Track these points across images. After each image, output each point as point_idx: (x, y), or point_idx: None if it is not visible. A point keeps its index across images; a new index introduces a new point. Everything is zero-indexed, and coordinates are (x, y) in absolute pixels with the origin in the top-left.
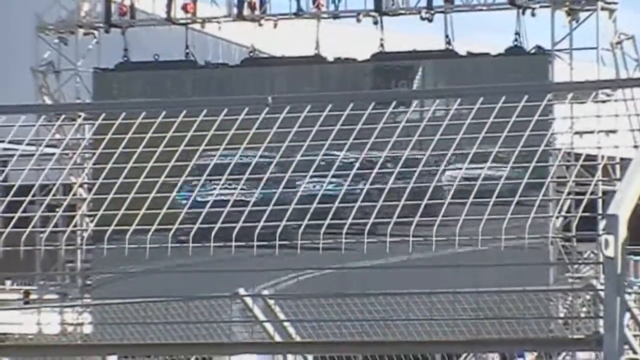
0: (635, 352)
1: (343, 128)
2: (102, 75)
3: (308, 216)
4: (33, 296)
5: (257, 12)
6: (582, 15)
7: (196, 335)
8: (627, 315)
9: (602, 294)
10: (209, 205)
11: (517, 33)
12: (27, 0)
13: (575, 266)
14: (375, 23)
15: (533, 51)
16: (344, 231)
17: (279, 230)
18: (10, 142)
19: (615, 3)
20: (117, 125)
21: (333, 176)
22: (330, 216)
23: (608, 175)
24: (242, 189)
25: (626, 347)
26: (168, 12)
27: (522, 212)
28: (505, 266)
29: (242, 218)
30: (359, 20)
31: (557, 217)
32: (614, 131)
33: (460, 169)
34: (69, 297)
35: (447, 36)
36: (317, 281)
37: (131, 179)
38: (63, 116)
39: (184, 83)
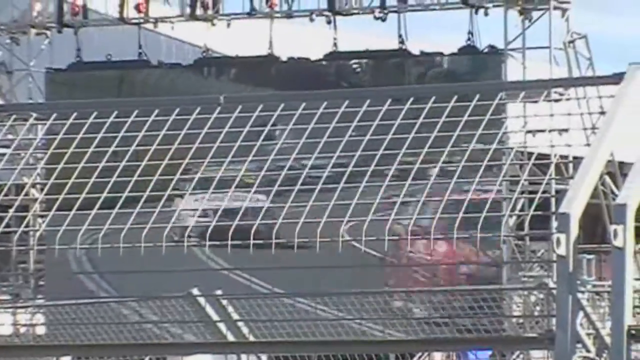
0: (588, 351)
1: (296, 127)
2: (55, 76)
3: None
4: None
5: (210, 12)
6: (535, 14)
7: (149, 336)
8: (581, 313)
9: (555, 292)
10: (160, 205)
11: (470, 32)
12: None
13: (529, 265)
14: (329, 22)
15: (486, 50)
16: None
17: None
18: None
19: (568, 2)
20: (69, 125)
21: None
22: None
23: (561, 173)
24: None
25: (579, 345)
26: (121, 12)
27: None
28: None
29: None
30: (312, 20)
31: (510, 216)
32: (566, 130)
33: (411, 168)
34: (21, 298)
35: (400, 36)
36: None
37: (83, 179)
38: (15, 116)
39: (137, 83)
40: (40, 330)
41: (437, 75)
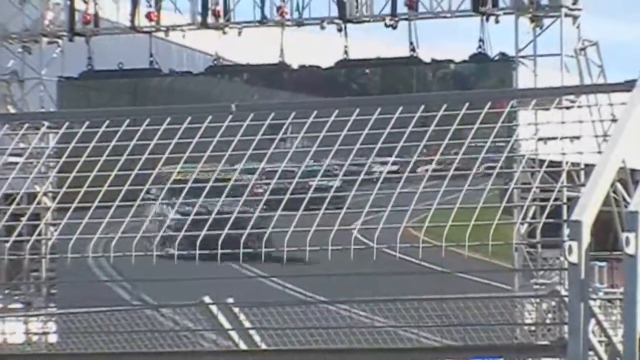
0: (600, 358)
1: (307, 136)
2: (66, 84)
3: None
4: None
5: (221, 20)
6: (546, 22)
7: (162, 345)
8: (593, 321)
9: (566, 300)
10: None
11: (481, 40)
12: None
13: (541, 272)
14: (339, 30)
15: (497, 58)
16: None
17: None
18: None
19: (579, 9)
20: (81, 134)
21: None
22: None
23: (572, 181)
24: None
25: (592, 353)
26: (132, 21)
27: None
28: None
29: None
30: (322, 28)
31: (521, 224)
32: (578, 137)
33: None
34: (33, 306)
35: (411, 43)
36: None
37: (95, 187)
38: (27, 125)
39: (148, 91)
40: (53, 338)
41: (445, 78)
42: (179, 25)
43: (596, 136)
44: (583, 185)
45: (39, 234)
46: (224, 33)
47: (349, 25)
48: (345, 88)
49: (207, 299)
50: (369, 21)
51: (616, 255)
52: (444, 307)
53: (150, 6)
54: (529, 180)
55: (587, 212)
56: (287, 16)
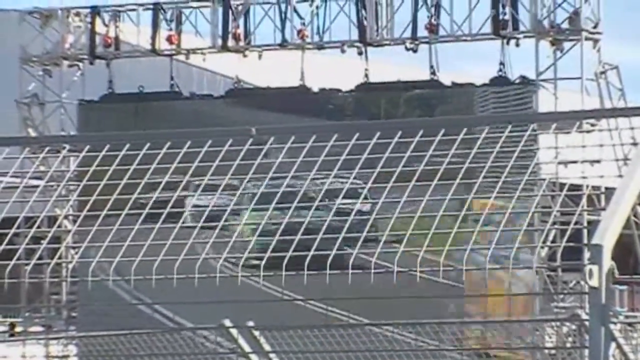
0: None
1: (327, 159)
2: (87, 107)
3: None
4: (18, 329)
5: (241, 43)
6: (567, 45)
7: None
8: (613, 345)
9: (587, 324)
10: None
11: (502, 63)
12: (11, 32)
13: (561, 296)
14: (360, 54)
15: (518, 81)
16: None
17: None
18: None
19: (600, 33)
20: (101, 157)
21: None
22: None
23: (593, 205)
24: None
25: None
26: (152, 44)
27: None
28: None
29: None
30: (343, 51)
31: (542, 247)
32: (598, 161)
33: (445, 198)
34: (54, 329)
35: (431, 66)
36: (302, 312)
37: (116, 210)
38: (48, 148)
39: (169, 114)
40: None
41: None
42: (199, 49)
43: (617, 160)
44: (604, 209)
45: (59, 257)
46: (245, 56)
47: (369, 48)
48: (366, 111)
49: (227, 322)
50: (389, 44)
51: (637, 279)
52: (464, 330)
53: (171, 29)
54: (549, 203)
55: (607, 236)
56: (308, 39)
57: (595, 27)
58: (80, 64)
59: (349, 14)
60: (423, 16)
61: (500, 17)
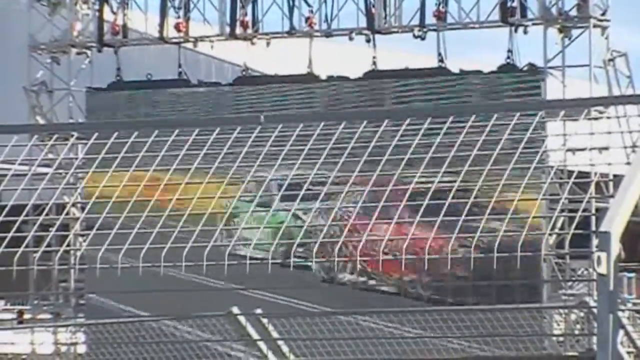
0: None
1: (336, 146)
2: (95, 95)
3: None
4: (27, 316)
5: (249, 31)
6: (575, 32)
7: (190, 355)
8: (621, 332)
9: (595, 311)
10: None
11: (510, 50)
12: (20, 20)
13: (569, 283)
14: (368, 41)
15: (526, 68)
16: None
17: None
18: (3, 161)
19: (608, 20)
20: (109, 145)
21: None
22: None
23: (601, 192)
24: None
25: None
26: (160, 31)
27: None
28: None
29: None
30: (351, 39)
31: (550, 234)
32: (606, 148)
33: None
34: (62, 316)
35: (439, 54)
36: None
37: (124, 197)
38: (56, 136)
39: (177, 102)
40: (81, 349)
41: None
42: (207, 36)
43: (625, 147)
44: (612, 196)
45: (68, 245)
46: (253, 44)
47: (377, 36)
48: (374, 99)
49: (235, 310)
50: (397, 32)
51: None
52: (472, 317)
53: (179, 17)
54: (557, 191)
55: (615, 223)
56: (316, 27)
57: (603, 14)
58: (89, 52)
59: (357, 2)
60: (431, 3)
61: (509, 4)
